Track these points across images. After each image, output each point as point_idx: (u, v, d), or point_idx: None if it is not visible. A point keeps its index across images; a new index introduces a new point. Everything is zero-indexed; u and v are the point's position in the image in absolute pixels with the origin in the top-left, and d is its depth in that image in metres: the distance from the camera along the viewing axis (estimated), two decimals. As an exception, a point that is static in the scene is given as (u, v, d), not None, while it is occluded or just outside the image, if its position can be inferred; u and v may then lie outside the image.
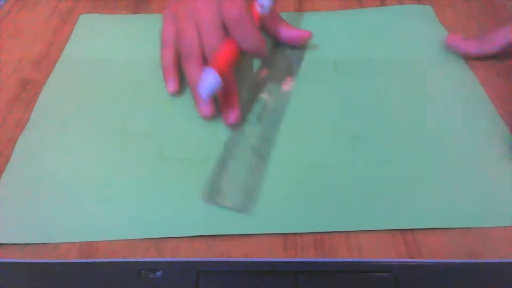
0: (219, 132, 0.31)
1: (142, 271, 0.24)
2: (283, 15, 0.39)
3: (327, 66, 0.37)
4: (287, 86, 0.35)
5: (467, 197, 0.28)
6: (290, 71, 0.36)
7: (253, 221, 0.26)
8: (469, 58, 0.37)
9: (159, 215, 0.27)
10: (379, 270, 0.24)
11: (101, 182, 0.29)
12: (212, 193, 0.28)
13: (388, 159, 0.30)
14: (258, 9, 0.32)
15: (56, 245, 0.26)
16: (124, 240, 0.26)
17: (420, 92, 0.34)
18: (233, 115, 0.31)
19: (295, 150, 0.30)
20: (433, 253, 0.25)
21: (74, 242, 0.26)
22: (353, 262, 0.25)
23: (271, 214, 0.27)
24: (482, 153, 0.30)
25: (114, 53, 0.38)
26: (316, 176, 0.29)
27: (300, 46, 0.38)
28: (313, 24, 0.40)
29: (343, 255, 0.25)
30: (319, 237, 0.26)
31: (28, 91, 0.35)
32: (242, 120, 0.32)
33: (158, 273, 0.24)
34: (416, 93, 0.34)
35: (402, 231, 0.26)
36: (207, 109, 0.32)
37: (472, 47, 0.37)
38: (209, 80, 0.29)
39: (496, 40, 0.36)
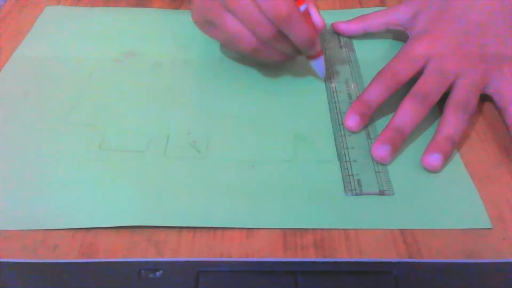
0: (160, 125, 0.32)
1: (142, 271, 0.24)
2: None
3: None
4: None
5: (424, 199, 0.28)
6: None
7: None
8: (354, 38, 0.40)
9: (96, 206, 0.27)
10: (379, 270, 0.24)
11: (39, 170, 0.29)
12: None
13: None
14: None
15: (56, 245, 0.26)
16: (124, 240, 0.26)
17: None
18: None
19: (237, 147, 0.31)
20: (433, 253, 0.25)
21: (73, 242, 0.26)
22: (353, 262, 0.25)
23: (202, 209, 0.27)
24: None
25: (68, 47, 0.39)
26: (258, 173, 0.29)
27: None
28: None
29: (343, 255, 0.25)
30: (319, 237, 0.26)
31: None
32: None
33: (158, 273, 0.24)
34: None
35: (402, 231, 0.26)
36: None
37: (354, 25, 0.39)
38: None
39: (376, 20, 0.39)
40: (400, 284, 0.24)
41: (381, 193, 0.28)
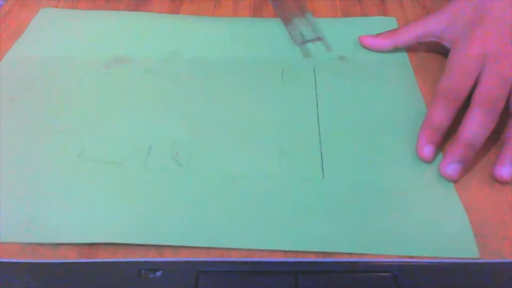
0: (143, 135, 0.31)
1: (142, 271, 0.24)
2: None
3: (274, 74, 0.36)
4: None
5: (403, 223, 0.27)
6: None
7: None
8: (383, 52, 0.38)
9: (69, 219, 0.26)
10: (379, 270, 0.24)
11: (19, 178, 0.28)
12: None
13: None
14: None
15: (56, 245, 0.26)
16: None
17: (362, 106, 0.34)
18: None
19: (218, 161, 0.30)
20: (433, 253, 0.25)
21: (74, 243, 0.26)
22: (353, 262, 0.25)
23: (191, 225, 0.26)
24: (420, 174, 0.29)
25: (61, 51, 0.38)
26: (239, 189, 0.28)
27: None
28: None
29: (343, 255, 0.25)
30: (319, 237, 0.26)
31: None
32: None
33: (158, 273, 0.24)
34: (357, 107, 0.34)
35: (402, 231, 0.26)
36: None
37: (384, 40, 0.38)
38: None
39: (407, 33, 0.38)
40: (400, 284, 0.24)
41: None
